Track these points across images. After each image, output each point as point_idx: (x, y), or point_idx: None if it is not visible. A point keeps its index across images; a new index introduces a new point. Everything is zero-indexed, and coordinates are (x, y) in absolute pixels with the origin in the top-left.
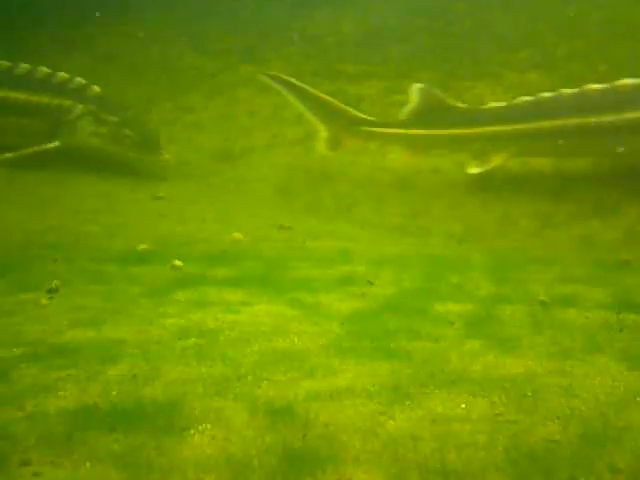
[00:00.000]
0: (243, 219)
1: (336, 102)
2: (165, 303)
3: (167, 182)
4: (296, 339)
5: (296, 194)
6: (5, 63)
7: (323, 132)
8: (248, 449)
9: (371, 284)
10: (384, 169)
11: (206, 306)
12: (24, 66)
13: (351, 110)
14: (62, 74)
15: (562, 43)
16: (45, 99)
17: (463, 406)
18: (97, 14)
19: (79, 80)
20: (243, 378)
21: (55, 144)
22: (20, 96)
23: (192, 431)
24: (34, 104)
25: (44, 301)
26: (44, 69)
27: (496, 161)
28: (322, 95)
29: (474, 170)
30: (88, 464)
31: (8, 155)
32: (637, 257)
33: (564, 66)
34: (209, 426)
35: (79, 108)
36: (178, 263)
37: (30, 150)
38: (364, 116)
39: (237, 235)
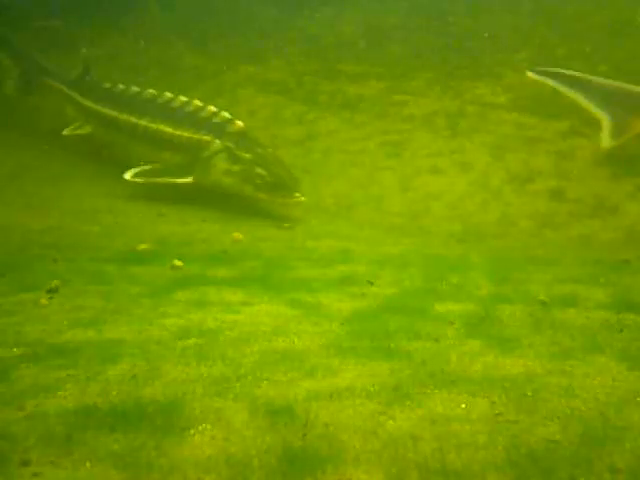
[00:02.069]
0: (243, 219)
1: (618, 83)
2: (165, 303)
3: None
4: (296, 339)
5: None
6: (169, 95)
7: (607, 120)
8: (248, 449)
9: (371, 284)
10: None
11: (206, 306)
12: (182, 99)
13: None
14: (210, 107)
15: (562, 43)
16: (187, 133)
17: (463, 406)
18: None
19: (224, 114)
20: (243, 378)
21: (188, 180)
22: (167, 129)
23: (192, 431)
24: (177, 137)
25: (44, 301)
26: (197, 102)
27: None
28: (599, 79)
29: None
30: (88, 464)
31: (139, 179)
32: (637, 257)
33: (564, 66)
34: (209, 426)
35: (217, 144)
36: (178, 263)
37: (161, 181)
38: None
39: (237, 235)
